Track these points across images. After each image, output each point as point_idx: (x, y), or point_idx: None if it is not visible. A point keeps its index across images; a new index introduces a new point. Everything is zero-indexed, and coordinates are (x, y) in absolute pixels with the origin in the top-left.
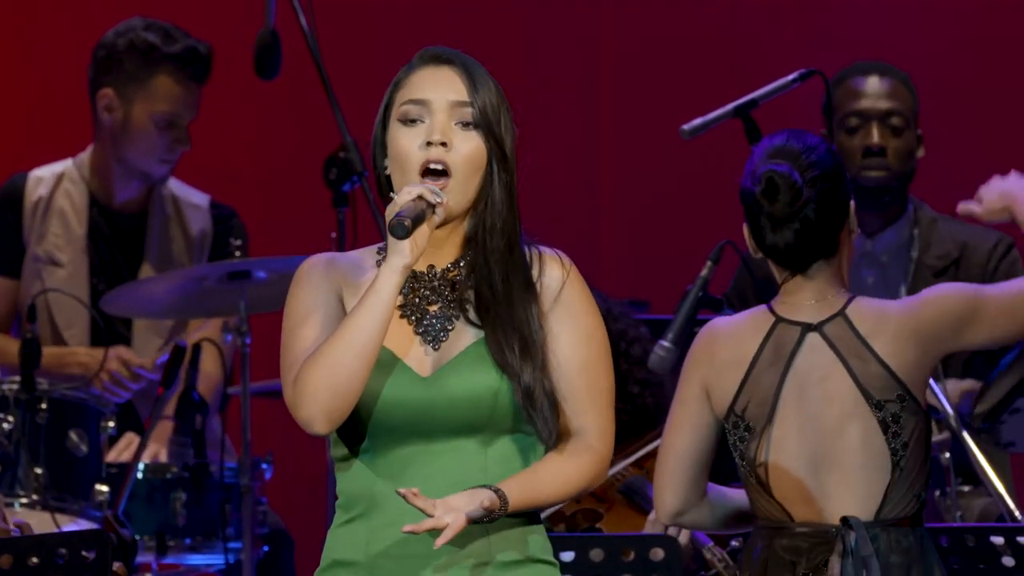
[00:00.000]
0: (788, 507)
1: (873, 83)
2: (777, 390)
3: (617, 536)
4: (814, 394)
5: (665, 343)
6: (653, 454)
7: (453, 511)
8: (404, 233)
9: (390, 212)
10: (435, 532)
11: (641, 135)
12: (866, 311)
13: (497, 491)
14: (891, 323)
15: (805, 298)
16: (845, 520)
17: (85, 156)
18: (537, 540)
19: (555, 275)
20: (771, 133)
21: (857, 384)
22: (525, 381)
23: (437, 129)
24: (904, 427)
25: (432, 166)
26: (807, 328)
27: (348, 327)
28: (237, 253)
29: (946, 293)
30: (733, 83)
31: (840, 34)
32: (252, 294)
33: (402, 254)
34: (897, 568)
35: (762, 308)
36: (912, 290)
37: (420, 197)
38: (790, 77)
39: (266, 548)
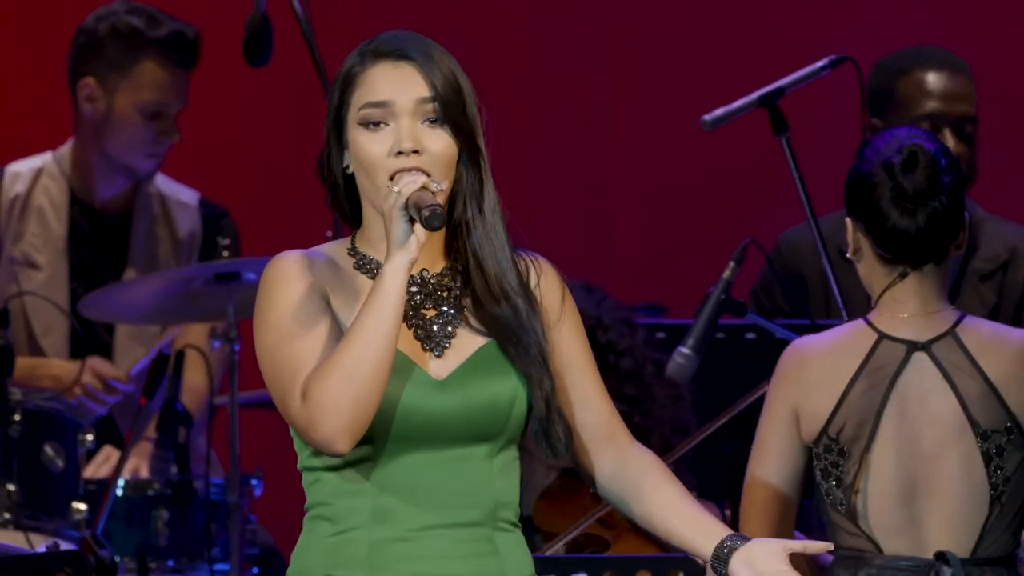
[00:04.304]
0: (878, 537)
1: (945, 81)
2: (879, 411)
3: (632, 557)
4: (916, 416)
5: (684, 350)
6: None
7: None
8: (441, 223)
9: (398, 202)
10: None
11: (658, 126)
12: (981, 332)
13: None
14: (1009, 348)
15: (911, 309)
16: (941, 555)
17: (65, 150)
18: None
19: (556, 284)
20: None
21: (964, 409)
22: (546, 389)
23: (407, 136)
24: (1008, 460)
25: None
26: (913, 347)
27: (361, 332)
28: (225, 253)
29: None
30: (756, 70)
31: (869, 18)
32: (241, 297)
33: (408, 250)
34: None
35: (859, 323)
36: (957, 294)
37: (424, 187)
38: (820, 64)
39: (255, 570)
